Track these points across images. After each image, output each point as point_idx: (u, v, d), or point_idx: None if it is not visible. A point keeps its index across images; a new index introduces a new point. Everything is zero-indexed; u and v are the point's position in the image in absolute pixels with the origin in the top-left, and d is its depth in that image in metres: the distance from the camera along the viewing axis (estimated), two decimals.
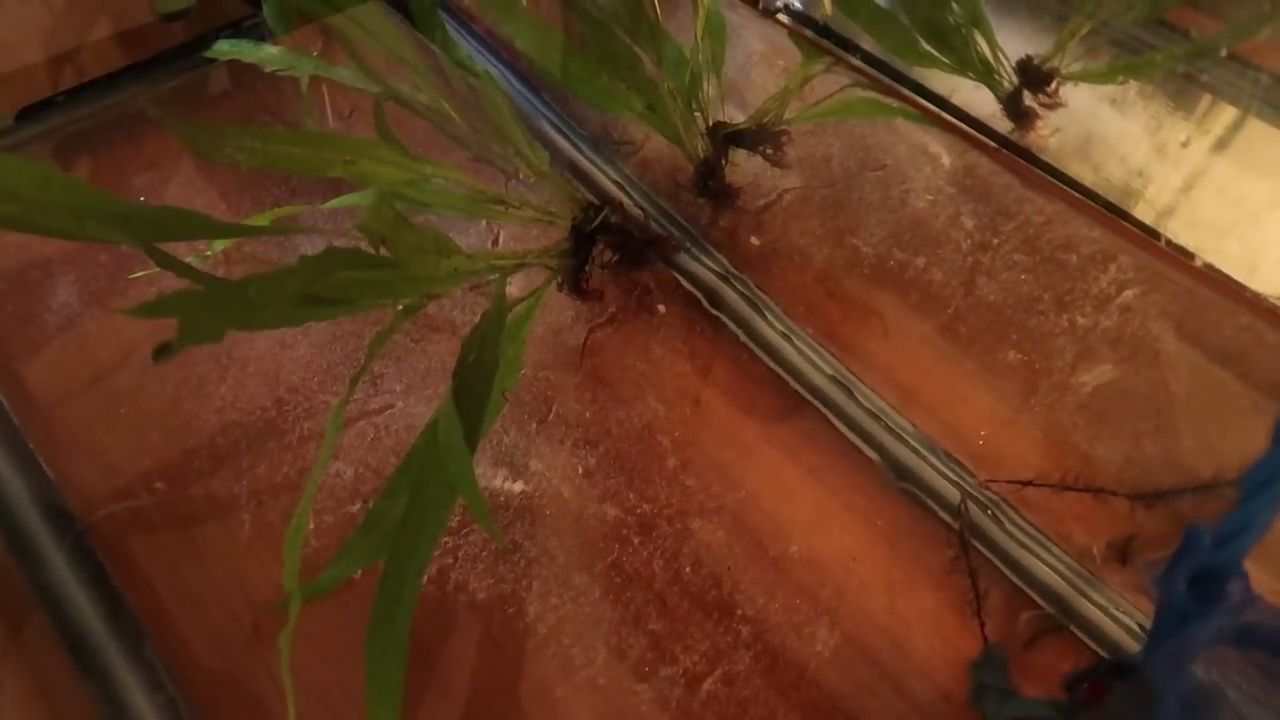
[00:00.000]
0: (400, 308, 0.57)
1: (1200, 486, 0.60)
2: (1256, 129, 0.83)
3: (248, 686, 0.56)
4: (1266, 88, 0.85)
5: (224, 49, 0.71)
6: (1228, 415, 0.65)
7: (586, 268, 0.69)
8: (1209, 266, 0.69)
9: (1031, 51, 0.83)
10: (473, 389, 0.49)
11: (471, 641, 0.59)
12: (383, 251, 0.51)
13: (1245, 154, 0.83)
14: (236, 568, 0.60)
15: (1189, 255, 0.70)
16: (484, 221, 0.76)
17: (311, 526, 0.62)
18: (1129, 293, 0.71)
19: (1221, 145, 0.84)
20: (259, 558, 0.60)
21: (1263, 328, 0.69)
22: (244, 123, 0.86)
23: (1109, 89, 0.85)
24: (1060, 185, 0.73)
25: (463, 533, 0.62)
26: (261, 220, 0.66)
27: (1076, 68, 0.85)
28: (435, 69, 0.72)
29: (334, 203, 0.68)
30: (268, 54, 0.71)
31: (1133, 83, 0.88)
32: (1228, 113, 0.85)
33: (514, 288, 0.70)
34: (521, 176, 0.74)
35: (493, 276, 0.63)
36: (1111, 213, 0.74)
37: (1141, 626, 0.57)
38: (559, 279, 0.68)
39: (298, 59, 0.70)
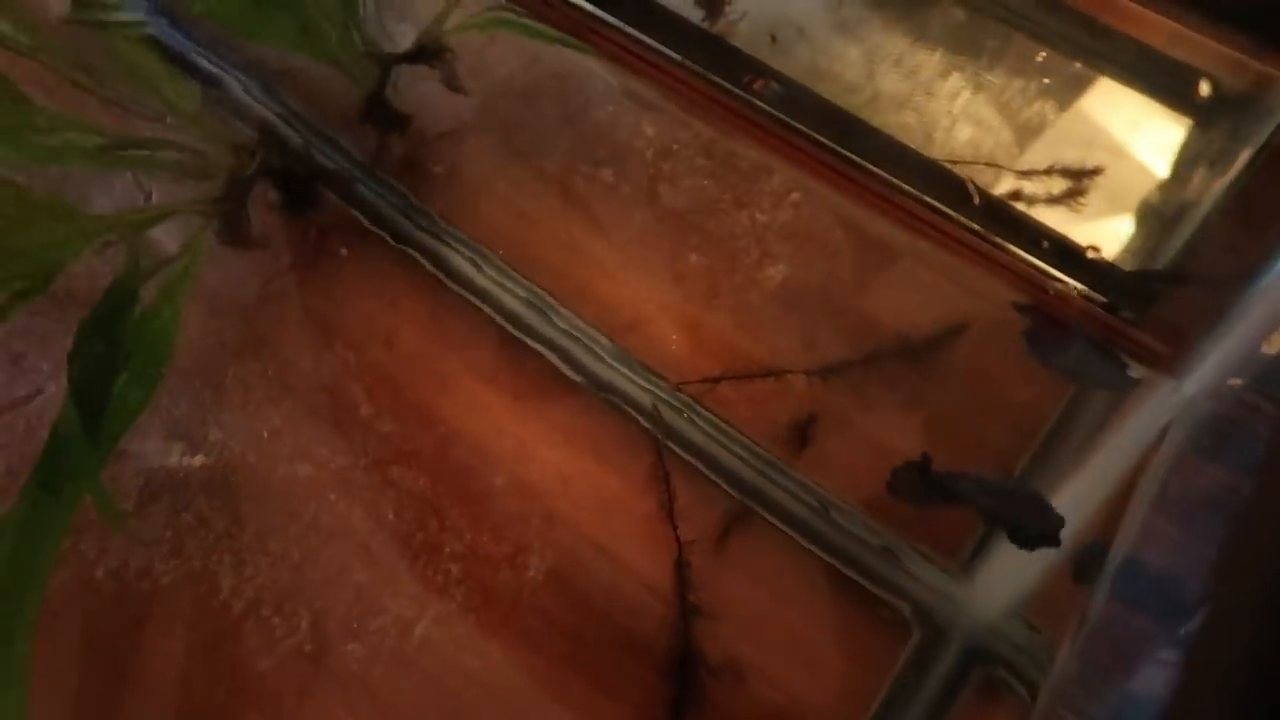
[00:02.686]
0: (12, 291, 0.51)
1: (867, 358, 0.65)
2: (928, 2, 0.87)
3: None
4: None
5: None
6: (892, 293, 0.70)
7: (248, 214, 0.64)
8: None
9: None
10: (95, 375, 0.45)
11: (163, 629, 0.55)
12: None
13: (919, 25, 0.87)
14: None
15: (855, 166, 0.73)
16: (129, 174, 0.68)
17: None
18: (797, 193, 0.74)
19: (893, 19, 0.88)
20: None
21: (923, 215, 0.74)
22: None
23: None
24: (729, 96, 0.74)
25: (141, 514, 0.57)
26: None
27: None
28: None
29: None
30: None
31: None
32: None
33: (171, 245, 0.63)
34: (169, 121, 0.67)
35: (127, 232, 0.57)
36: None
37: (823, 505, 0.61)
38: (215, 229, 0.63)
39: None
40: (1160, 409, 0.47)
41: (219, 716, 0.53)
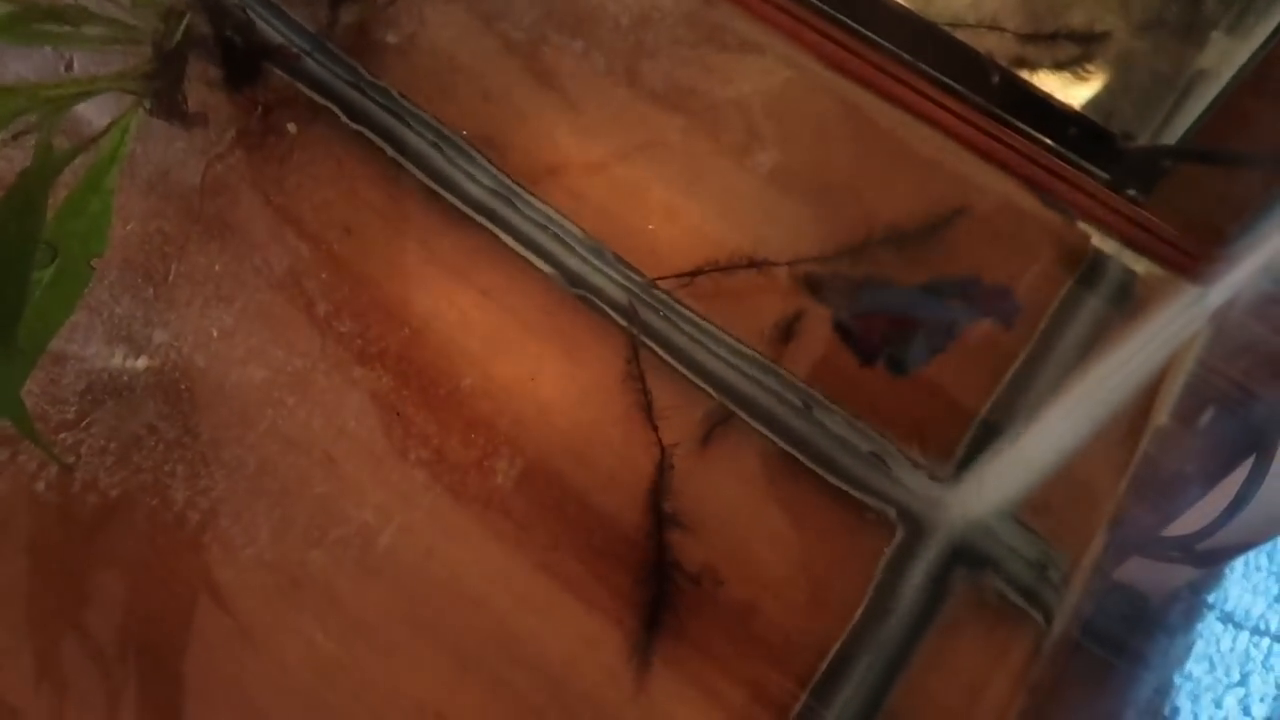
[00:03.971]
0: None
1: (857, 248, 0.61)
2: None
3: None
4: None
5: None
6: (886, 177, 0.65)
7: (183, 89, 0.58)
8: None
9: None
10: (7, 276, 0.40)
11: (114, 544, 0.52)
12: None
13: None
14: None
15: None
16: (46, 48, 0.62)
17: None
18: (790, 70, 0.68)
19: None
20: None
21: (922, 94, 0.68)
22: None
23: None
24: None
25: (84, 425, 0.54)
26: None
27: None
28: None
29: None
30: None
31: None
32: None
33: (99, 124, 0.58)
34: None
35: (48, 109, 0.51)
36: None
37: (806, 403, 0.58)
38: (147, 106, 0.57)
39: None
40: (1178, 320, 0.44)
41: (177, 629, 0.51)
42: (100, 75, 0.57)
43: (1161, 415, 0.40)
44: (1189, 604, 0.59)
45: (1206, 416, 0.44)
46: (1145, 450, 0.45)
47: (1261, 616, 0.55)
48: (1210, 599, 0.56)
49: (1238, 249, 0.37)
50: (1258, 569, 0.55)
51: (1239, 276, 0.34)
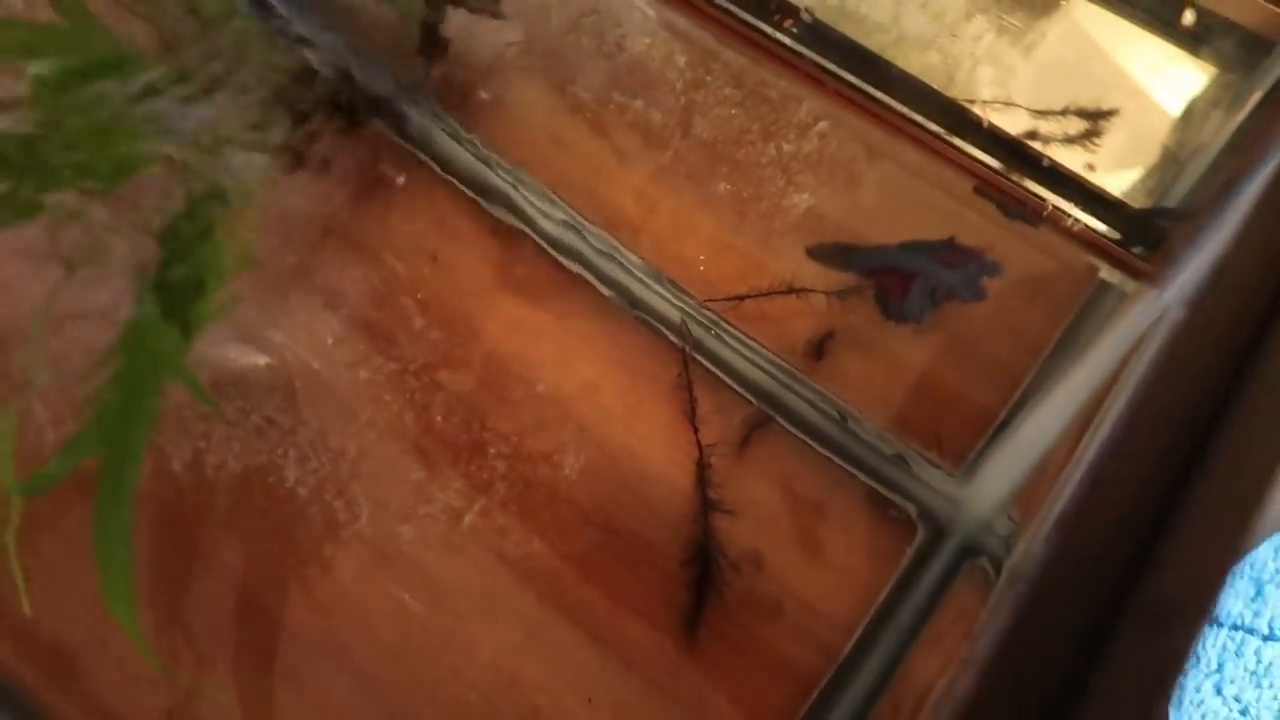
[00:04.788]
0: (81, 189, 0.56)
1: (889, 314, 0.69)
2: None
3: None
4: None
5: None
6: (910, 220, 0.74)
7: (307, 138, 0.68)
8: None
9: None
10: (175, 283, 0.50)
11: (234, 514, 0.61)
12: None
13: None
14: None
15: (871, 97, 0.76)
16: (193, 102, 0.73)
17: (51, 437, 0.61)
18: (824, 123, 0.77)
19: None
20: None
21: (940, 147, 0.77)
22: None
23: None
24: (757, 23, 0.77)
25: (215, 418, 0.63)
26: None
27: None
28: None
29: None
30: None
31: None
32: None
33: (236, 166, 0.68)
34: (232, 54, 0.72)
35: (196, 157, 0.62)
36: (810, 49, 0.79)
37: (840, 412, 0.65)
38: (281, 152, 0.67)
39: None
40: (1140, 318, 0.51)
41: (287, 590, 0.59)
42: (237, 128, 0.68)
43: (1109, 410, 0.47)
44: None
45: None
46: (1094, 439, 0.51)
47: (1239, 614, 0.61)
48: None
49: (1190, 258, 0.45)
50: (1239, 576, 0.61)
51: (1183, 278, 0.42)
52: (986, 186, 0.67)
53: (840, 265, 0.68)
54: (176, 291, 0.51)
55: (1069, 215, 0.67)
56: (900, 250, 0.67)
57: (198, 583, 0.60)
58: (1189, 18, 0.82)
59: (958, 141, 0.72)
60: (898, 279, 0.66)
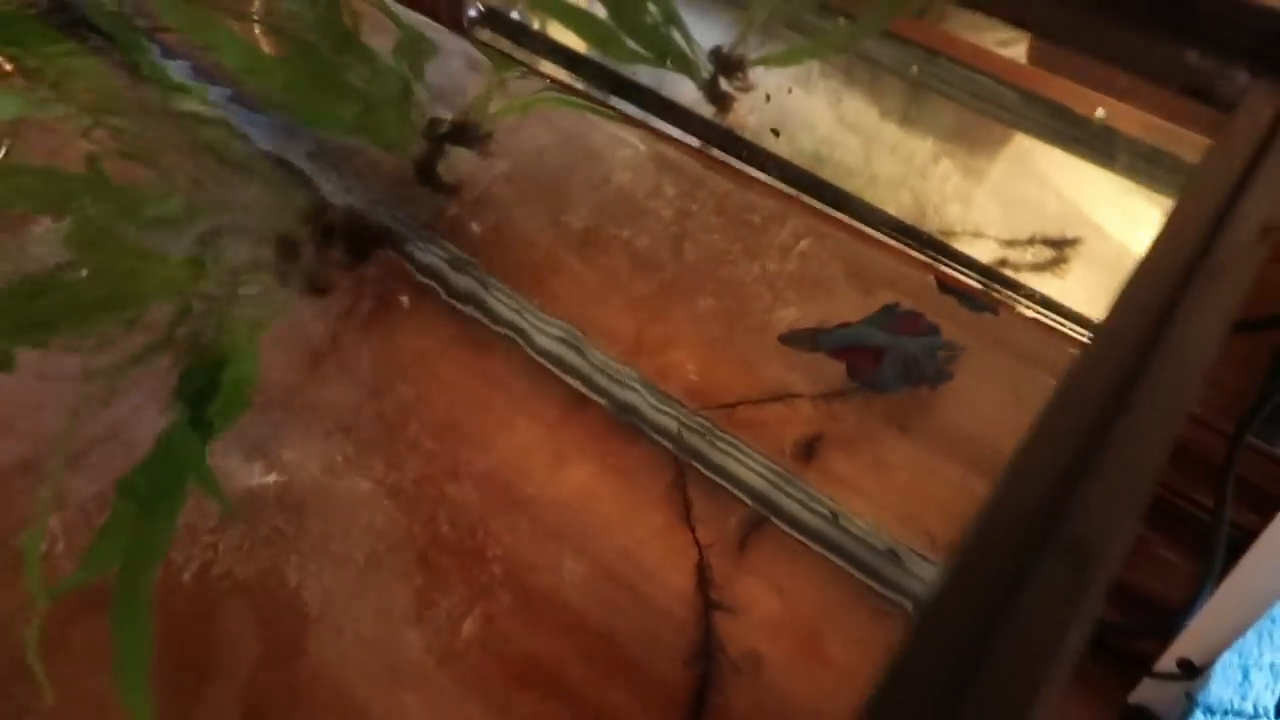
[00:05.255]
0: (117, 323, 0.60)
1: (864, 384, 0.72)
2: (917, 95, 0.97)
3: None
4: (921, 59, 1.00)
5: None
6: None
7: (315, 266, 0.73)
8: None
9: (722, 41, 0.94)
10: (198, 398, 0.53)
11: (242, 622, 0.62)
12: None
13: (910, 118, 0.97)
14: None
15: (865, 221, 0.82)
16: (205, 231, 0.78)
17: (62, 546, 0.62)
18: (804, 242, 0.82)
19: (888, 112, 0.98)
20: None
21: (912, 270, 0.82)
22: None
23: (793, 70, 0.98)
24: (739, 163, 0.84)
25: (223, 530, 0.65)
26: None
27: (762, 53, 0.97)
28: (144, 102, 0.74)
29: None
30: None
31: (813, 63, 1.01)
32: (893, 83, 1.00)
33: (249, 293, 0.73)
34: (241, 190, 0.77)
35: (213, 285, 0.66)
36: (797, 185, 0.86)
37: (832, 511, 0.67)
38: (285, 281, 0.72)
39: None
40: None
41: (292, 696, 0.59)
42: (249, 260, 0.72)
43: None
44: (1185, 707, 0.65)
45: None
46: None
47: (1229, 699, 0.61)
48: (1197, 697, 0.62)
49: None
50: (1228, 665, 0.62)
51: None
52: (949, 281, 0.73)
53: (810, 347, 0.72)
54: (198, 406, 0.54)
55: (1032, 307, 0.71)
56: (864, 326, 0.72)
57: (204, 692, 0.60)
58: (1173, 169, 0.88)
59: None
60: (868, 353, 0.72)
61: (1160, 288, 0.33)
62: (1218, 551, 0.64)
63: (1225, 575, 0.64)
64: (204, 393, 0.55)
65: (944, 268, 0.81)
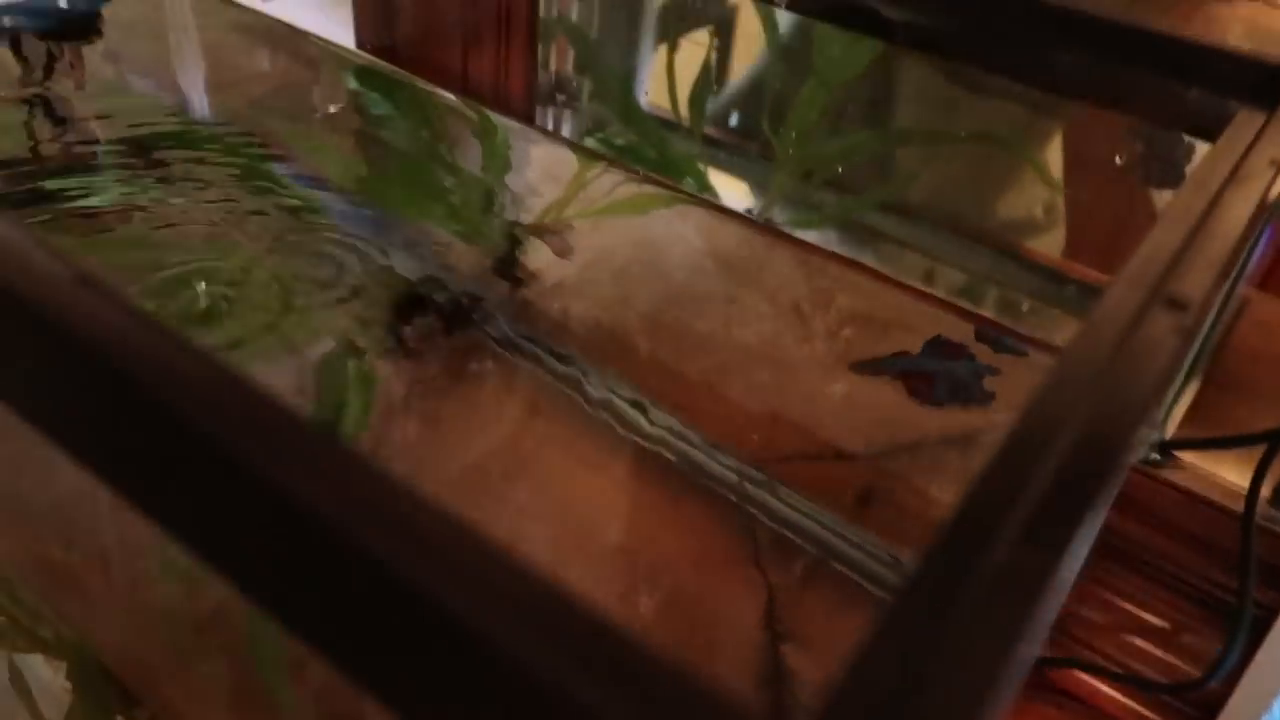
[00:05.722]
0: None
1: (913, 445, 0.77)
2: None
3: None
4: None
5: None
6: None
7: (415, 338, 0.81)
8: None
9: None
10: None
11: None
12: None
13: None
14: None
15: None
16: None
17: None
18: (847, 330, 0.90)
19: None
20: None
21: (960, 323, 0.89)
22: None
23: None
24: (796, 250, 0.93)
25: None
26: None
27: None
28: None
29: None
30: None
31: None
32: None
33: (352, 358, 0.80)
34: (343, 279, 0.86)
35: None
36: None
37: (892, 555, 0.71)
38: (392, 351, 0.80)
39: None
40: None
41: None
42: (359, 333, 0.80)
43: None
44: None
45: None
46: None
47: None
48: None
49: None
50: None
51: None
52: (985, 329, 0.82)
53: (875, 373, 0.79)
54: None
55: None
56: (922, 355, 0.86)
57: None
58: None
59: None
60: (923, 378, 0.83)
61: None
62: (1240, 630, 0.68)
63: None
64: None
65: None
